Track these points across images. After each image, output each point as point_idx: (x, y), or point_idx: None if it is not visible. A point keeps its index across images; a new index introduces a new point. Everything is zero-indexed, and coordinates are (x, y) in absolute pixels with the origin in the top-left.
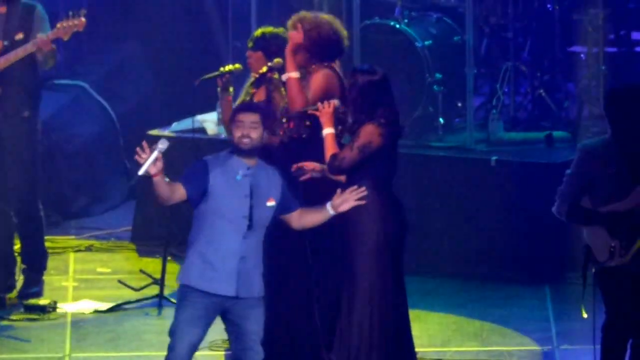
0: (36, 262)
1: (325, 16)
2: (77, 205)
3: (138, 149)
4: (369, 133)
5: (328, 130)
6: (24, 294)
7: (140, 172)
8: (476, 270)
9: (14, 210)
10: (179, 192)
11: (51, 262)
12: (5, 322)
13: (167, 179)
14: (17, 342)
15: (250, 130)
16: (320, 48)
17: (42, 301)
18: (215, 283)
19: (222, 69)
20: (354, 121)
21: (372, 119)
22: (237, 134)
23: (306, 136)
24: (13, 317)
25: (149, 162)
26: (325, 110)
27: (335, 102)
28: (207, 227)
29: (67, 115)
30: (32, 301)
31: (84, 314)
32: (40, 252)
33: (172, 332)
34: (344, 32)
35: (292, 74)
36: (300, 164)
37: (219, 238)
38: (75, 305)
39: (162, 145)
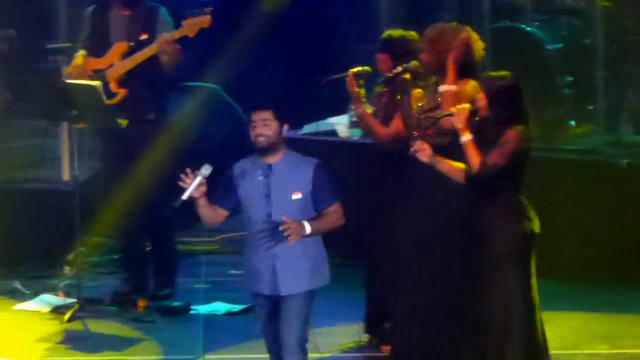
0: (168, 265)
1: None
2: None
3: (182, 174)
4: (517, 138)
5: (467, 137)
6: (157, 296)
7: (184, 196)
8: (608, 273)
9: (144, 213)
10: (221, 211)
11: (183, 264)
12: (138, 324)
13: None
14: (150, 344)
15: (264, 128)
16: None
17: (175, 303)
18: (259, 284)
19: (350, 70)
20: (493, 127)
21: (513, 124)
22: (252, 134)
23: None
24: (146, 319)
25: (193, 186)
26: (461, 116)
27: (468, 106)
28: (247, 232)
29: (199, 117)
30: (165, 303)
31: (216, 315)
32: (171, 254)
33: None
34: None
35: (451, 87)
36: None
37: (254, 241)
38: (208, 307)
39: (206, 170)
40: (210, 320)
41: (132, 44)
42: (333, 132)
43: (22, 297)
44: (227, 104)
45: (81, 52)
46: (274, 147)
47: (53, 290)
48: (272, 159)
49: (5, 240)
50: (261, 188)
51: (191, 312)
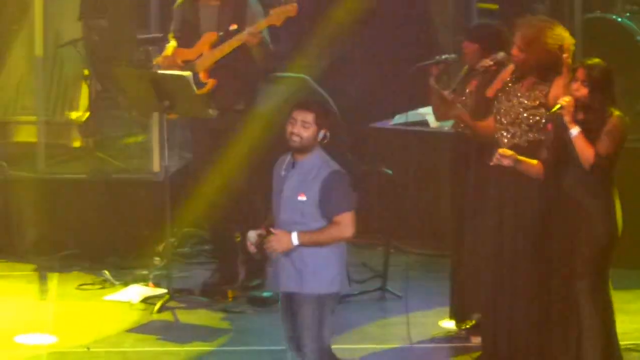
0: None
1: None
2: None
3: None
4: (620, 126)
5: (576, 130)
6: (247, 286)
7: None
8: None
9: (234, 204)
10: None
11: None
12: (229, 314)
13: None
14: (240, 334)
15: (301, 128)
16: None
17: (265, 293)
18: (273, 280)
19: (437, 57)
20: (596, 115)
21: (613, 111)
22: (289, 130)
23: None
24: (236, 309)
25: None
26: (569, 109)
27: (569, 99)
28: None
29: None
30: (255, 293)
31: None
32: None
33: None
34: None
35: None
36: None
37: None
38: None
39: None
40: None
41: (221, 34)
42: (424, 123)
43: (112, 288)
44: (317, 94)
45: (172, 43)
46: (305, 149)
47: (143, 281)
48: (300, 157)
49: (96, 231)
50: (280, 184)
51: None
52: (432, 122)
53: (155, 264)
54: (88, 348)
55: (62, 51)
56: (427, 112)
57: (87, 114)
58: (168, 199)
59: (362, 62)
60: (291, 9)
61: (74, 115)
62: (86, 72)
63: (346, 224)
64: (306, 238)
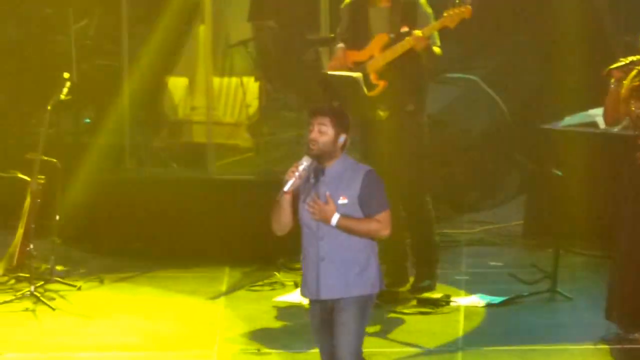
0: (427, 256)
1: None
2: (469, 199)
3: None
4: None
5: None
6: (417, 287)
7: (287, 187)
8: None
9: (403, 205)
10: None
11: (444, 256)
12: (398, 316)
13: None
14: (409, 336)
15: (318, 134)
16: None
17: (435, 295)
18: (305, 289)
19: (624, 60)
20: None
21: None
22: (308, 137)
23: None
24: (406, 310)
25: (297, 177)
26: None
27: None
28: (302, 237)
29: (459, 109)
30: (425, 295)
31: (476, 307)
32: (430, 245)
33: None
34: None
35: None
36: None
37: (306, 245)
38: (468, 299)
39: (306, 162)
40: (471, 312)
41: (392, 35)
42: (593, 124)
43: (283, 289)
44: (487, 96)
45: (340, 45)
46: (326, 154)
47: None
48: (327, 163)
49: (266, 232)
50: (308, 190)
51: (451, 303)
52: (602, 123)
53: None
54: (258, 350)
55: (232, 51)
56: (596, 114)
57: (258, 114)
58: None
59: (533, 62)
60: (465, 11)
61: (244, 115)
62: (256, 73)
63: (386, 223)
64: (345, 223)
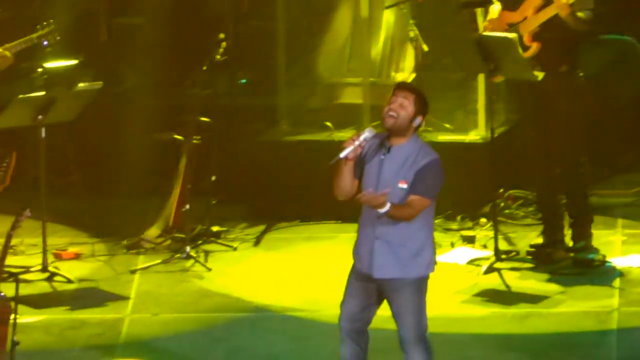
0: (581, 217)
1: None
2: (624, 160)
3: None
4: None
5: None
6: (572, 248)
7: (342, 154)
8: None
9: (559, 166)
10: (355, 182)
11: (599, 217)
12: (553, 277)
13: None
14: (565, 297)
15: (398, 107)
16: None
17: (590, 255)
18: (357, 261)
19: None
20: None
21: None
22: (385, 108)
23: None
24: (562, 271)
25: (353, 146)
26: None
27: None
28: (362, 208)
29: (613, 70)
30: (580, 255)
31: (632, 268)
32: (585, 206)
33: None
34: None
35: None
36: None
37: (363, 218)
38: (624, 260)
39: (369, 133)
40: (626, 273)
41: None
42: None
43: (438, 250)
44: None
45: (496, 6)
46: (400, 130)
47: (470, 242)
48: (396, 142)
49: None
50: (377, 168)
51: (607, 264)
52: None
53: (482, 225)
54: None
55: (388, 13)
56: None
57: (413, 75)
58: (494, 160)
59: None
60: None
61: (399, 77)
62: (412, 33)
63: (417, 206)
64: (393, 212)
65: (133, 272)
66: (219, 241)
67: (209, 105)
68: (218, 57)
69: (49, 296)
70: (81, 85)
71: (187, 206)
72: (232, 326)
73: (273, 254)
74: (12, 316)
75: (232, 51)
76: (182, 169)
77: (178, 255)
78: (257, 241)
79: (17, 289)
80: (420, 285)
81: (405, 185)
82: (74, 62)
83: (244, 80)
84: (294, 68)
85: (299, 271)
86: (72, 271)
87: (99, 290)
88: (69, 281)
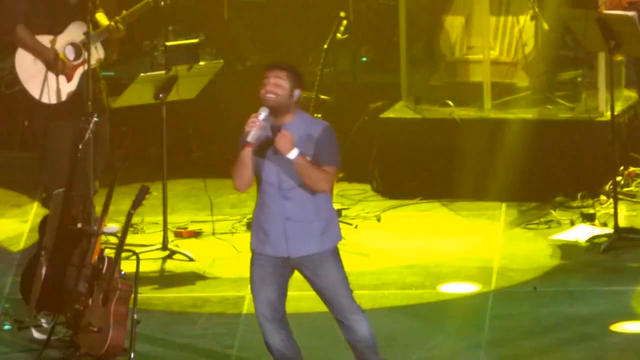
0: None
1: None
2: None
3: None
4: None
5: None
6: None
7: (250, 138)
8: None
9: None
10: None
11: None
12: None
13: None
14: None
15: (274, 87)
16: None
17: None
18: (267, 246)
19: None
20: None
21: None
22: (262, 91)
23: None
24: None
25: (258, 127)
26: None
27: None
28: (259, 192)
29: None
30: None
31: None
32: None
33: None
34: None
35: None
36: None
37: (267, 201)
38: None
39: (264, 113)
40: None
41: None
42: None
43: (559, 227)
44: None
45: None
46: (282, 108)
47: (589, 220)
48: (283, 120)
49: (543, 171)
50: (271, 149)
51: None
52: None
53: (602, 203)
54: (535, 287)
55: None
56: None
57: (534, 53)
58: (614, 138)
59: None
60: None
61: (520, 54)
62: (532, 11)
63: (329, 177)
64: (302, 162)
65: None
66: (340, 219)
67: (331, 82)
68: (339, 35)
69: (170, 274)
70: (202, 63)
71: None
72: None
73: (395, 231)
74: (133, 294)
75: (354, 29)
76: None
77: None
78: (379, 219)
79: (137, 267)
80: (338, 253)
81: (307, 158)
82: (195, 40)
83: (364, 58)
84: (416, 45)
85: (421, 249)
86: (193, 249)
87: (219, 268)
88: (190, 259)
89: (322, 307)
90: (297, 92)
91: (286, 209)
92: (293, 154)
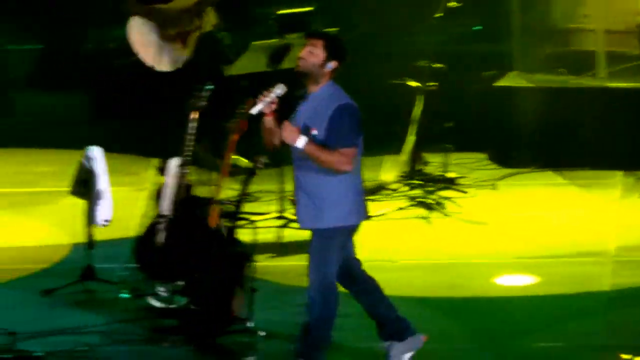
0: None
1: None
2: None
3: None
4: None
5: None
6: None
7: (254, 110)
8: None
9: None
10: None
11: None
12: None
13: None
14: None
15: (308, 54)
16: None
17: None
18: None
19: None
20: None
21: None
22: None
23: None
24: None
25: (264, 102)
26: None
27: None
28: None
29: None
30: None
31: None
32: None
33: None
34: None
35: None
36: None
37: (293, 172)
38: None
39: (279, 89)
40: None
41: None
42: None
43: None
44: None
45: None
46: (312, 77)
47: None
48: (311, 89)
49: None
50: (298, 117)
51: None
52: None
53: None
54: None
55: None
56: None
57: None
58: None
59: None
60: None
61: (633, 23)
62: None
63: (344, 158)
64: (311, 148)
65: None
66: (455, 187)
67: (443, 51)
68: (451, 3)
69: (286, 243)
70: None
71: (423, 152)
72: (469, 272)
73: (509, 200)
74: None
75: None
76: (416, 115)
77: (414, 201)
78: (493, 187)
79: (254, 235)
80: (330, 234)
81: (316, 132)
82: (307, 8)
83: (478, 27)
84: (529, 14)
85: (536, 218)
86: None
87: None
88: None
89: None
90: (331, 64)
91: (299, 180)
92: (300, 143)
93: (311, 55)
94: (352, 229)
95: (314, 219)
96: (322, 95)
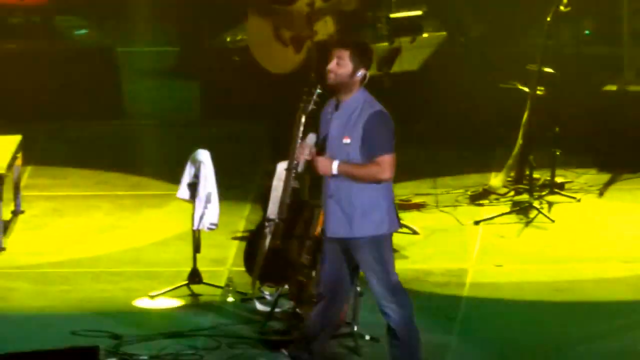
0: None
1: None
2: None
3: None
4: None
5: None
6: None
7: (300, 168)
8: None
9: None
10: None
11: None
12: None
13: None
14: None
15: (335, 65)
16: None
17: None
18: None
19: None
20: None
21: None
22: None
23: None
24: None
25: (305, 156)
26: None
27: None
28: None
29: None
30: None
31: None
32: None
33: None
34: None
35: None
36: None
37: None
38: None
39: (310, 140)
40: None
41: None
42: None
43: None
44: None
45: None
46: (342, 87)
47: None
48: (343, 98)
49: None
50: (326, 127)
51: None
52: None
53: None
54: None
55: None
56: None
57: None
58: None
59: None
60: None
61: None
62: None
63: (385, 165)
64: (345, 168)
65: (477, 222)
66: (563, 192)
67: (553, 55)
68: (562, 7)
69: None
70: (425, 35)
71: (531, 157)
72: (575, 277)
73: (617, 205)
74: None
75: (577, 1)
76: (525, 119)
77: (521, 206)
78: (601, 192)
79: None
80: (376, 243)
81: (349, 141)
82: (418, 12)
83: (587, 32)
84: (639, 17)
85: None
86: (416, 222)
87: (443, 241)
88: (414, 232)
89: None
90: (360, 72)
91: (329, 187)
92: (334, 170)
93: (339, 67)
94: (386, 238)
95: (351, 228)
96: (354, 104)
